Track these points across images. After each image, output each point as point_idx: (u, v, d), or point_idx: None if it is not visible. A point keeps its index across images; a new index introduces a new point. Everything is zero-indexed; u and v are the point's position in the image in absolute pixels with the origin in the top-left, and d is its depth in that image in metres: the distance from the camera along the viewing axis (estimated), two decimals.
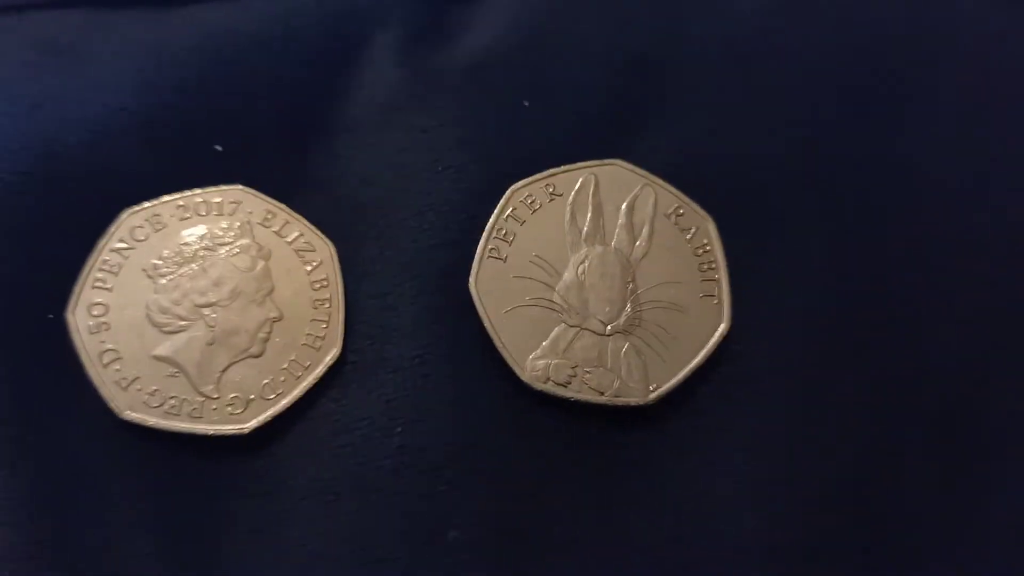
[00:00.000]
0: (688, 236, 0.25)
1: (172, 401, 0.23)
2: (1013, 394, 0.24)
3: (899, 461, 0.24)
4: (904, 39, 0.28)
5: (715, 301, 0.24)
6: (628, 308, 0.24)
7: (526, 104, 0.26)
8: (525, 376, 0.23)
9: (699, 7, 0.28)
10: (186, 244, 0.25)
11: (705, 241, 0.25)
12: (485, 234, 0.24)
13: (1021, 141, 0.26)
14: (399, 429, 0.23)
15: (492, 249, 0.24)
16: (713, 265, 0.25)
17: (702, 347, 0.24)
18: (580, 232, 0.25)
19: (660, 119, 0.26)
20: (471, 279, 0.24)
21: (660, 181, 0.25)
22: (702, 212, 0.25)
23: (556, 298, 0.24)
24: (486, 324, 0.24)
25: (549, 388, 0.23)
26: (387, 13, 0.27)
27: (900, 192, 0.26)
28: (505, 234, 0.25)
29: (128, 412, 0.23)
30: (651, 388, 0.23)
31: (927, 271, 0.25)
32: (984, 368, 0.25)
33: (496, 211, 0.25)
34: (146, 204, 0.25)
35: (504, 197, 0.25)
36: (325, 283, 0.25)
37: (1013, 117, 0.27)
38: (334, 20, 0.27)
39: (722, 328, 0.24)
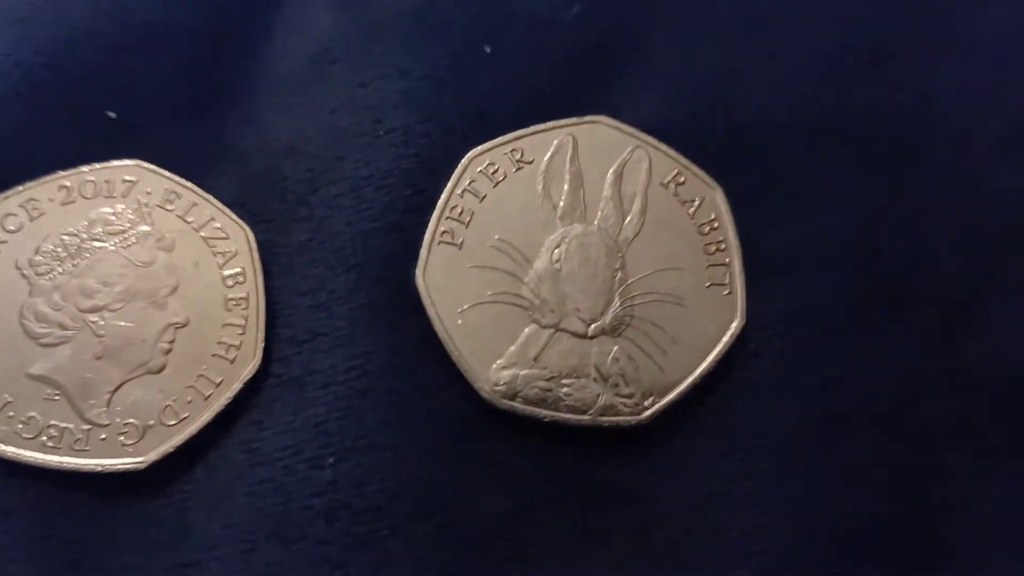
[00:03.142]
0: (691, 209, 0.22)
1: (51, 431, 0.21)
2: None
3: (931, 488, 0.22)
4: None
5: (726, 291, 0.22)
6: (616, 302, 0.21)
7: (487, 50, 0.24)
8: (486, 391, 0.21)
9: None
10: (70, 234, 0.22)
11: (712, 216, 0.22)
12: (436, 213, 0.22)
13: None
14: (331, 460, 0.21)
15: (444, 232, 0.22)
16: (723, 246, 0.22)
17: (710, 350, 0.21)
18: (555, 208, 0.22)
19: (652, 64, 0.24)
20: (418, 270, 0.21)
21: (655, 141, 0.23)
22: (708, 179, 0.22)
23: (525, 292, 0.21)
24: (437, 326, 0.21)
25: (518, 406, 0.21)
26: None
27: (931, 142, 0.24)
28: (461, 213, 0.22)
29: None
30: (645, 403, 0.21)
31: (968, 237, 0.23)
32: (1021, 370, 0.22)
33: (450, 184, 0.22)
34: (19, 187, 0.22)
35: (460, 166, 0.22)
36: (241, 279, 0.22)
37: None
38: None
39: (735, 325, 0.21)
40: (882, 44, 0.24)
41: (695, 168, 0.22)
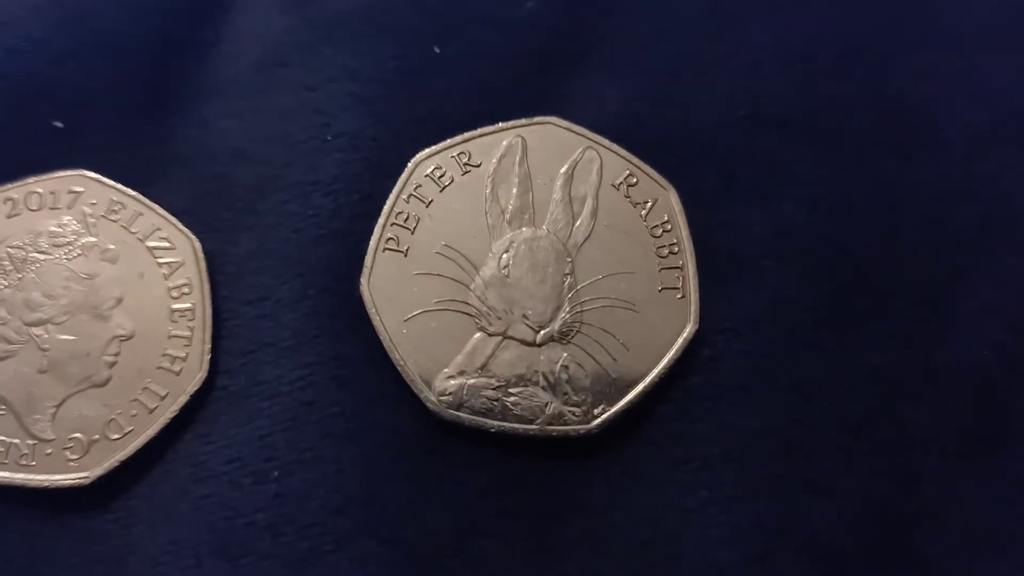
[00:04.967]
0: (643, 211, 0.21)
1: None
2: None
3: (903, 497, 0.21)
4: None
5: (679, 295, 0.21)
6: (565, 308, 0.20)
7: (436, 51, 0.23)
8: (433, 402, 0.20)
9: None
10: (15, 247, 0.21)
11: (665, 217, 0.21)
12: (381, 220, 0.21)
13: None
14: (275, 474, 0.20)
15: (390, 239, 0.21)
16: (676, 249, 0.21)
17: (662, 356, 0.20)
18: (503, 212, 0.21)
19: (604, 63, 0.23)
20: (363, 279, 0.21)
21: (606, 141, 0.22)
22: (661, 179, 0.21)
23: (472, 299, 0.21)
24: (382, 335, 0.20)
25: (464, 416, 0.20)
26: None
27: (896, 137, 0.23)
28: (407, 219, 0.21)
29: None
30: (595, 412, 0.20)
31: (936, 231, 0.22)
32: (997, 371, 0.21)
33: (395, 189, 0.21)
34: None
35: (406, 171, 0.21)
36: (187, 289, 0.21)
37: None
38: None
39: (689, 330, 0.21)
40: (845, 37, 0.23)
41: (647, 168, 0.21)
